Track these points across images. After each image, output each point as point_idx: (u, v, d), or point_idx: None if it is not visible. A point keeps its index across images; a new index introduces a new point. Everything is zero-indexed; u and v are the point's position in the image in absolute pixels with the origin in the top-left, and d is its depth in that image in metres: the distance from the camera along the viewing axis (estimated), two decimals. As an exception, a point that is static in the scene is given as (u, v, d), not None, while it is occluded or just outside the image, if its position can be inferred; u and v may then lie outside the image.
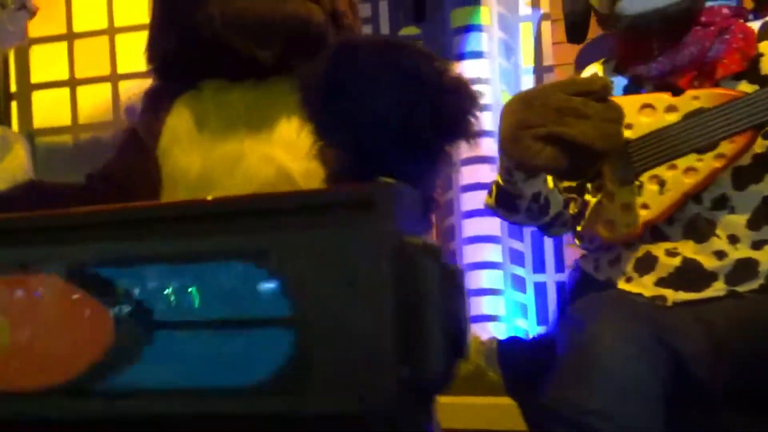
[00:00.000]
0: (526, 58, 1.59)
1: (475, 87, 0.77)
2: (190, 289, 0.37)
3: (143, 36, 1.78)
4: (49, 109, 1.78)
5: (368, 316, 0.35)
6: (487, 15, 1.60)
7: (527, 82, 1.61)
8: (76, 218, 0.41)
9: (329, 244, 0.37)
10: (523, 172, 0.90)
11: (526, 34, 1.60)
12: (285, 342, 0.37)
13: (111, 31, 1.77)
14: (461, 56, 1.58)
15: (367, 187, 0.43)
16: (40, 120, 1.78)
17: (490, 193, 1.08)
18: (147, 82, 1.81)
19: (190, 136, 1.03)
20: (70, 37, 1.77)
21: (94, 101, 1.79)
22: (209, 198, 0.63)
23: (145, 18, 1.82)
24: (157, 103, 1.09)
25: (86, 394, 0.37)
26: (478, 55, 1.59)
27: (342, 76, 0.67)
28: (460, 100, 0.68)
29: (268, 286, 0.38)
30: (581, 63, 1.53)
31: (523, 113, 0.83)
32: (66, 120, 1.79)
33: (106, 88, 1.80)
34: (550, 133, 0.79)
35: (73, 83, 1.78)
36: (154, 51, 1.11)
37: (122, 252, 0.39)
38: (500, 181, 0.98)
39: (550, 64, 1.60)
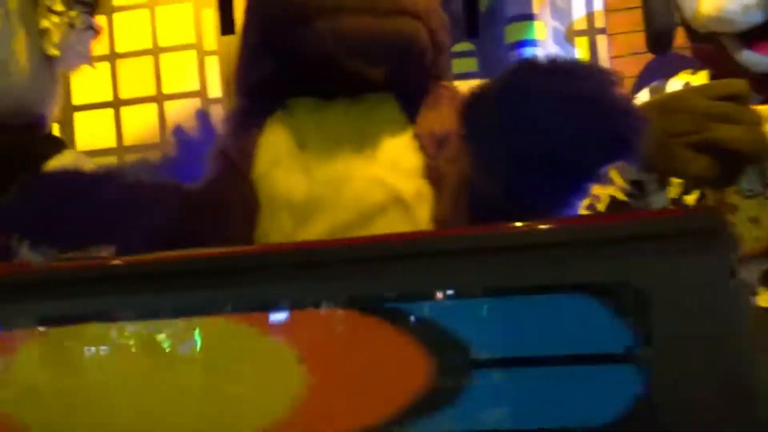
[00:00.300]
0: None
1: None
2: (513, 324, 0.35)
3: (188, 55, 1.79)
4: (93, 131, 1.74)
5: (726, 353, 0.33)
6: (542, 30, 1.61)
7: None
8: (375, 248, 0.39)
9: (681, 274, 0.35)
10: (663, 182, 0.89)
11: (581, 49, 1.61)
12: (632, 381, 0.34)
13: (155, 51, 1.74)
14: (517, 71, 1.57)
15: (706, 212, 0.41)
16: (83, 142, 1.74)
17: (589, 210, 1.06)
18: (193, 102, 1.79)
19: (290, 157, 1.01)
20: (112, 57, 1.74)
21: (139, 122, 1.77)
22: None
23: (191, 38, 1.81)
24: (246, 125, 1.07)
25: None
26: (534, 69, 1.59)
27: (520, 98, 0.66)
28: (633, 123, 0.67)
29: (611, 319, 0.36)
30: (644, 83, 1.54)
31: (667, 121, 0.81)
32: (110, 142, 1.76)
33: (151, 108, 1.78)
34: (704, 140, 0.78)
35: (117, 104, 1.75)
36: (248, 73, 1.09)
37: (434, 284, 0.36)
38: (619, 195, 0.96)
39: None
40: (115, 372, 0.36)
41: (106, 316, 0.37)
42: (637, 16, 1.60)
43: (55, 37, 1.20)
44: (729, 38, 1.00)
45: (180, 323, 0.36)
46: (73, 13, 1.21)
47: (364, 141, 0.98)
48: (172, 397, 0.35)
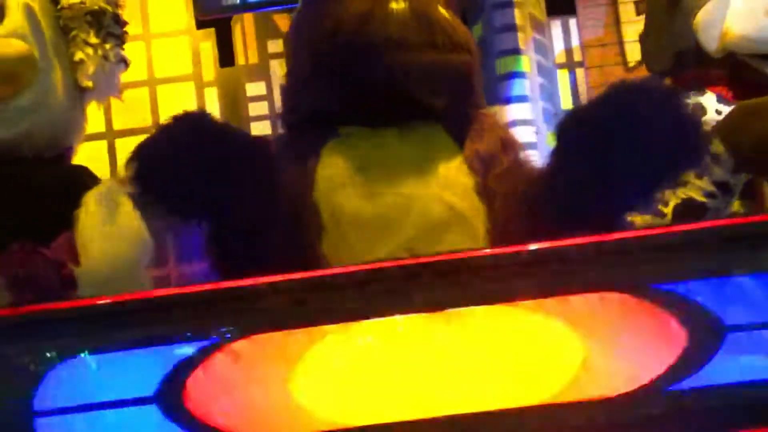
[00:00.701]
0: (564, 101, 1.75)
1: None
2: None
3: (185, 87, 1.79)
4: (86, 162, 1.70)
5: None
6: (527, 63, 1.76)
7: None
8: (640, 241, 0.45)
9: None
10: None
11: (563, 80, 1.76)
12: None
13: (151, 83, 1.73)
14: (508, 100, 1.71)
15: None
16: (75, 175, 1.69)
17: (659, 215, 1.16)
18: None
19: (354, 181, 1.06)
20: (106, 88, 1.71)
21: (135, 153, 1.73)
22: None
23: (187, 68, 1.81)
24: (302, 152, 1.11)
25: (663, 395, 0.40)
26: (522, 99, 1.73)
27: (617, 117, 0.76)
28: (701, 137, 0.78)
29: None
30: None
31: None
32: (104, 173, 1.71)
33: (147, 139, 1.75)
34: None
35: (111, 135, 1.72)
36: (298, 104, 1.14)
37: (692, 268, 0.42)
38: (697, 196, 1.05)
39: None
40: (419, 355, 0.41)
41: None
42: (610, 50, 1.80)
43: (90, 69, 1.20)
44: (755, 58, 1.15)
45: (481, 311, 0.41)
46: (107, 46, 1.21)
47: (421, 165, 1.06)
48: (477, 375, 0.40)
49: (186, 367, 0.41)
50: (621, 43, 1.81)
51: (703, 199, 1.03)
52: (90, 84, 1.19)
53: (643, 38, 1.46)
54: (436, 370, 0.43)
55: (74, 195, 1.11)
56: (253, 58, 1.80)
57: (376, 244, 0.99)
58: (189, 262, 1.60)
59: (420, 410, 0.42)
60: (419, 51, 0.99)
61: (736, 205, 1.03)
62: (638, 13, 1.87)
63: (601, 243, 0.47)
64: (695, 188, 1.02)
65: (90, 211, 1.10)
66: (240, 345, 0.42)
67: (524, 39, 1.73)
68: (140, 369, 0.42)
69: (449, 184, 1.03)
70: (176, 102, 1.75)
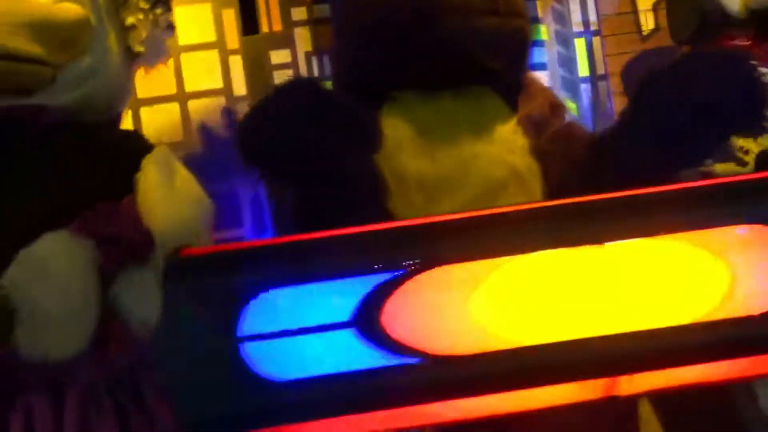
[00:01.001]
0: (582, 69, 1.81)
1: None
2: None
3: (209, 55, 1.78)
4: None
5: None
6: (545, 31, 1.80)
7: (585, 90, 1.83)
8: None
9: None
10: None
11: (580, 48, 1.82)
12: None
13: (175, 51, 1.72)
14: (528, 67, 1.76)
15: None
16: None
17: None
18: (217, 100, 1.79)
19: (415, 142, 1.10)
20: (129, 56, 1.69)
21: (161, 122, 1.73)
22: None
23: (211, 36, 1.80)
24: None
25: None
26: (542, 66, 1.78)
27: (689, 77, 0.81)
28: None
29: None
30: (628, 75, 1.78)
31: None
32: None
33: (173, 107, 1.75)
34: None
35: (136, 105, 1.71)
36: (352, 69, 1.17)
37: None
38: None
39: (602, 73, 1.84)
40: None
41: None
42: (625, 19, 1.85)
43: (142, 33, 1.20)
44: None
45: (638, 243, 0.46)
46: (158, 11, 1.21)
47: (478, 126, 1.11)
48: (632, 300, 0.46)
49: (380, 294, 0.46)
50: (636, 12, 1.87)
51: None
52: (142, 49, 1.20)
53: (666, 8, 1.52)
54: (595, 295, 0.48)
55: (132, 159, 1.14)
56: (277, 26, 1.81)
57: (440, 203, 1.04)
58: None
59: (582, 331, 0.47)
60: (482, 16, 1.03)
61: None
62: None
63: (745, 181, 0.52)
64: (751, 143, 1.10)
65: (150, 175, 1.13)
66: (426, 275, 0.46)
67: (543, 7, 1.78)
68: (338, 297, 0.46)
69: (506, 145, 1.09)
70: (200, 70, 1.75)
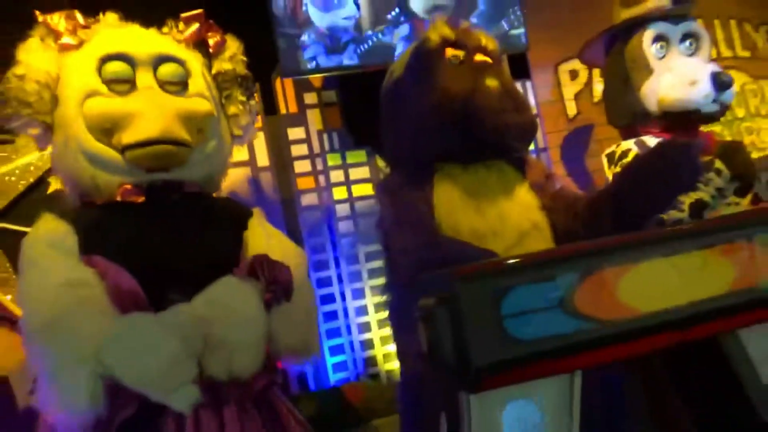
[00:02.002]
0: None
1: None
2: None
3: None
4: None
5: None
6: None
7: None
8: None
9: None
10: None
11: None
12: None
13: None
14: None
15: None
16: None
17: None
18: (244, 171, 2.04)
19: (464, 203, 1.48)
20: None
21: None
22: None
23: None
24: (414, 184, 1.50)
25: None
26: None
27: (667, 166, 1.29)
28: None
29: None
30: (565, 146, 2.31)
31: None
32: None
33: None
34: None
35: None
36: (406, 149, 1.53)
37: None
38: (706, 198, 1.64)
39: (543, 146, 2.37)
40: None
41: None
42: (556, 106, 2.41)
43: (243, 120, 1.47)
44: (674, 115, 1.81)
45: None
46: (252, 102, 1.50)
47: (506, 190, 1.52)
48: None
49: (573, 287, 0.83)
50: (563, 101, 2.46)
51: (709, 199, 1.62)
52: (240, 133, 1.48)
53: (605, 103, 2.08)
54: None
55: (238, 221, 1.40)
56: (293, 108, 2.13)
57: (487, 246, 1.42)
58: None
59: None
60: (509, 114, 1.46)
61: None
62: (572, 79, 2.55)
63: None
64: (703, 193, 1.62)
65: (257, 231, 1.40)
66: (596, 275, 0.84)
67: None
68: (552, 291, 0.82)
69: (526, 204, 1.51)
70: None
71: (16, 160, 1.93)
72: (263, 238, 1.45)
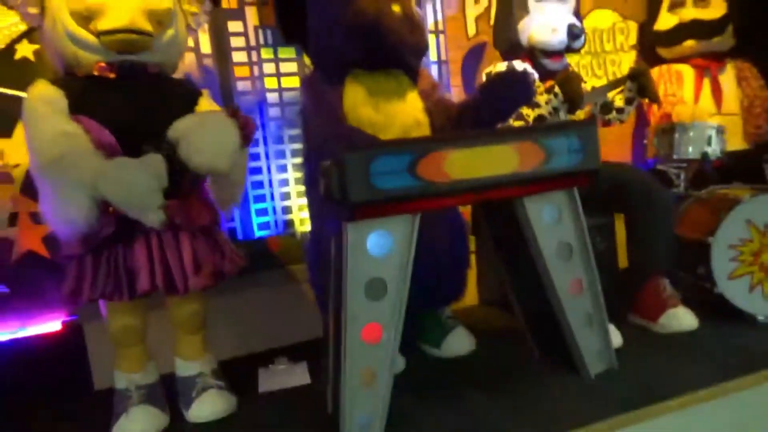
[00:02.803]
0: (433, 56, 2.75)
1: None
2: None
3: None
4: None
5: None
6: (412, 28, 2.70)
7: (435, 70, 2.78)
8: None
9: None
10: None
11: (432, 42, 2.74)
12: None
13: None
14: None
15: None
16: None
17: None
18: (189, 56, 2.36)
19: (365, 101, 1.96)
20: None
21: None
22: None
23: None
24: (332, 83, 1.94)
25: None
26: (409, 52, 2.70)
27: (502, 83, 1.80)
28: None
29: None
30: (465, 63, 2.78)
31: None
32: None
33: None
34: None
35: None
36: (326, 54, 1.94)
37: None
38: (545, 113, 2.21)
39: (444, 59, 2.81)
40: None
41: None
42: (459, 23, 2.84)
43: (198, 16, 1.84)
44: (539, 52, 2.30)
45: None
46: (204, 1, 1.85)
47: (400, 94, 2.01)
48: None
49: (417, 159, 1.35)
50: (464, 20, 2.89)
51: (546, 114, 2.16)
52: (194, 26, 1.85)
53: (493, 30, 2.55)
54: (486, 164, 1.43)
55: (191, 98, 1.81)
56: (233, 3, 2.44)
57: (381, 136, 1.91)
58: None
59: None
60: (408, 34, 1.90)
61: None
62: (475, 3, 2.96)
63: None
64: (543, 109, 2.15)
65: (204, 107, 1.83)
66: (432, 154, 1.36)
67: None
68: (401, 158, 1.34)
69: (413, 105, 2.01)
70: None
71: (-14, 28, 2.19)
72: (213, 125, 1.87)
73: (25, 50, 2.18)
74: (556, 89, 2.24)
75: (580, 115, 2.45)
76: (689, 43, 2.92)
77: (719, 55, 2.96)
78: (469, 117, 1.99)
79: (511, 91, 1.91)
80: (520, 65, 2.44)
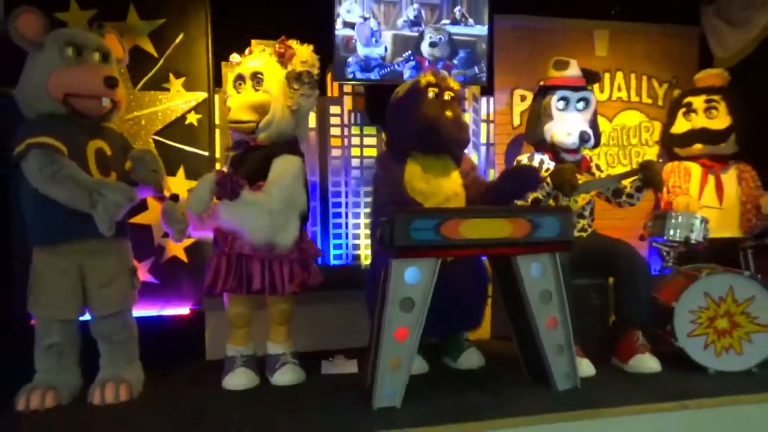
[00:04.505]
0: (483, 139, 3.52)
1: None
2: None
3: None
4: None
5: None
6: (467, 118, 3.48)
7: (483, 150, 3.54)
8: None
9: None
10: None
11: (483, 128, 3.51)
12: None
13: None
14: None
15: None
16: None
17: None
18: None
19: (420, 176, 2.79)
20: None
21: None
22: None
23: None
24: (397, 162, 2.74)
25: None
26: (464, 135, 3.49)
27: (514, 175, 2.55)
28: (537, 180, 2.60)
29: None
30: (509, 147, 3.53)
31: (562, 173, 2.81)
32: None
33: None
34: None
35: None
36: (396, 141, 2.75)
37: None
38: (541, 197, 2.93)
39: (492, 142, 3.57)
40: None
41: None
42: (506, 116, 3.59)
43: (301, 104, 2.73)
44: (559, 148, 3.03)
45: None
46: (315, 93, 2.73)
47: (446, 173, 2.82)
48: None
49: (441, 223, 2.10)
50: (511, 113, 3.67)
51: (541, 197, 2.86)
52: (294, 108, 2.73)
53: (526, 127, 3.30)
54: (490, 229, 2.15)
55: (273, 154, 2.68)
56: (335, 92, 3.35)
57: (428, 203, 2.68)
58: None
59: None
60: (456, 132, 2.69)
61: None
62: (521, 101, 3.72)
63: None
64: (538, 194, 2.85)
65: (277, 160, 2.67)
66: (451, 220, 2.10)
67: (468, 105, 3.47)
68: (431, 221, 2.09)
69: (454, 181, 2.79)
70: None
71: (166, 102, 3.18)
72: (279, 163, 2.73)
73: (192, 118, 3.16)
74: (548, 179, 2.96)
75: (586, 197, 3.11)
76: (698, 146, 3.53)
77: (724, 158, 3.54)
78: (492, 195, 2.73)
79: (520, 183, 2.66)
80: (538, 158, 3.16)
